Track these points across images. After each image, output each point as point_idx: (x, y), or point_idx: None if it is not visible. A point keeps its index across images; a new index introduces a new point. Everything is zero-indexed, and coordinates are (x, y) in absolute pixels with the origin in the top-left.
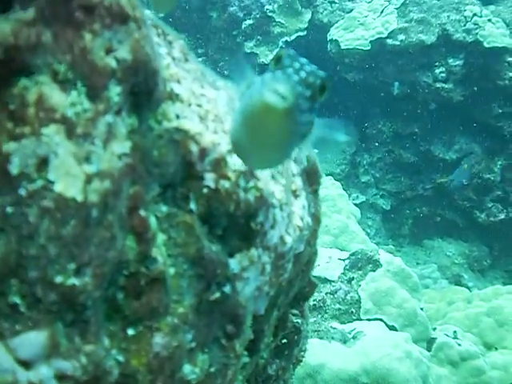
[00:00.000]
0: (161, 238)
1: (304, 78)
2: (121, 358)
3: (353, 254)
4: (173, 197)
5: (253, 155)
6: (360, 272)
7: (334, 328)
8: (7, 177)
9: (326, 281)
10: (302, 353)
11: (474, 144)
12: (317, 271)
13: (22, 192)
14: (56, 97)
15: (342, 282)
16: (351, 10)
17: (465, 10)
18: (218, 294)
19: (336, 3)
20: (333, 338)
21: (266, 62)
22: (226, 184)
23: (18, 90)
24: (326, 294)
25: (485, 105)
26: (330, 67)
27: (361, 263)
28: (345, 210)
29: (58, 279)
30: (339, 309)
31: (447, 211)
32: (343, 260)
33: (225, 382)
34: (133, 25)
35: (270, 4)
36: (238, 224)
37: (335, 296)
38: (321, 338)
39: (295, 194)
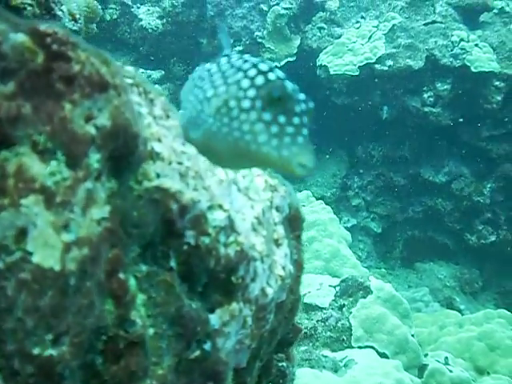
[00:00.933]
0: (140, 298)
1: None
2: None
3: (343, 281)
4: (153, 255)
5: None
6: (351, 299)
7: (326, 356)
8: None
9: (316, 308)
10: None
11: (463, 167)
12: (308, 298)
13: (0, 265)
14: (35, 167)
15: (332, 309)
16: (340, 36)
17: (452, 35)
18: (198, 352)
19: (325, 29)
20: (324, 367)
21: None
22: (206, 240)
23: None
24: (317, 321)
25: (473, 128)
26: (320, 92)
27: (351, 290)
28: (336, 234)
29: (36, 351)
30: (330, 336)
31: (438, 234)
32: (334, 287)
33: None
34: (112, 92)
35: (260, 30)
36: (219, 279)
37: (326, 323)
38: (312, 367)
39: (277, 243)
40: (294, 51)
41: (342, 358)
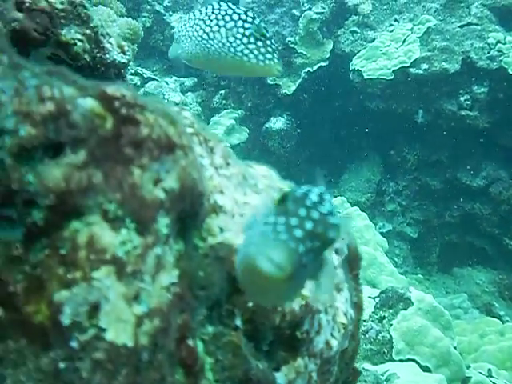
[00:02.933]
0: (208, 361)
1: (310, 229)
2: None
3: (383, 292)
4: (218, 315)
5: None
6: (391, 311)
7: (367, 370)
8: (59, 328)
9: None
10: None
11: (501, 170)
12: None
13: (74, 344)
14: (106, 237)
15: (373, 321)
16: (373, 40)
17: (488, 38)
18: None
19: (358, 33)
20: (366, 382)
21: (289, 93)
22: None
23: (68, 232)
24: None
25: (510, 131)
26: (353, 96)
27: (391, 301)
28: (372, 241)
29: None
30: (371, 349)
31: (476, 238)
32: (373, 298)
33: None
34: (179, 152)
35: (292, 36)
36: (284, 335)
37: (366, 336)
38: None
39: (338, 288)
40: (327, 56)
41: (383, 372)
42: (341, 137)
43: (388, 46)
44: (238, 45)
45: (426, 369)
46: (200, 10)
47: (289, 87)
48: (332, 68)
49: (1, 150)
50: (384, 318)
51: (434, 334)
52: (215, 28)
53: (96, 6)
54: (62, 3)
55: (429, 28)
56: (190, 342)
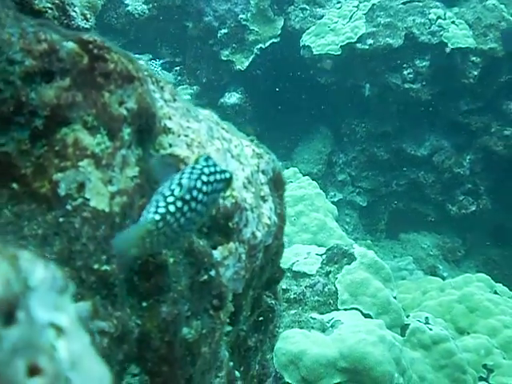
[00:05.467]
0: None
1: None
2: (139, 322)
3: (329, 249)
4: None
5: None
6: (336, 266)
7: (314, 318)
8: (57, 197)
9: (305, 275)
10: (277, 329)
11: (443, 140)
12: (296, 266)
13: (69, 207)
14: (86, 139)
15: (320, 275)
16: (322, 17)
17: (429, 13)
18: (205, 277)
19: (307, 10)
20: (312, 328)
21: (242, 69)
22: None
23: (60, 135)
24: (306, 287)
25: (452, 103)
26: (304, 72)
27: (337, 257)
28: (322, 208)
29: (96, 266)
30: (318, 300)
31: (421, 205)
32: (320, 255)
33: (213, 341)
34: (137, 83)
35: (244, 13)
36: (219, 224)
37: (314, 289)
38: (301, 328)
39: (264, 199)
40: (278, 32)
41: (329, 320)
42: (293, 111)
43: (335, 22)
44: None
45: (367, 316)
46: None
47: (242, 63)
48: (283, 44)
49: (13, 75)
50: (330, 272)
51: (375, 285)
52: None
53: None
54: None
55: (373, 5)
56: None
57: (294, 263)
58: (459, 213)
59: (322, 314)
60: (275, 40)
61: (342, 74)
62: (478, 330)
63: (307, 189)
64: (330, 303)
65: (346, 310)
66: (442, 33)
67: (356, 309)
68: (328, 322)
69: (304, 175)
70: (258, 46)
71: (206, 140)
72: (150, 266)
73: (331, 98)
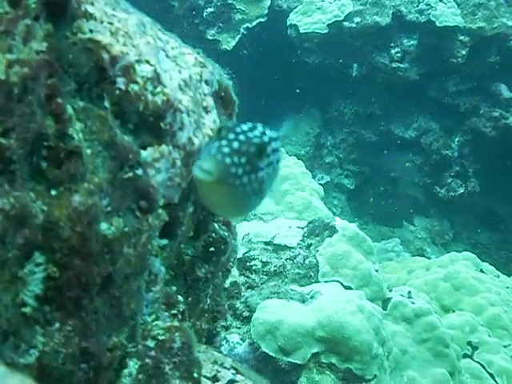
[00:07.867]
0: (78, 125)
1: (237, 148)
2: (45, 208)
3: (311, 222)
4: (89, 95)
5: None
6: (317, 238)
7: (294, 290)
8: None
9: (285, 248)
10: (230, 263)
11: (431, 122)
12: (277, 239)
13: None
14: None
15: (300, 248)
16: None
17: None
18: (130, 174)
19: None
20: (292, 299)
21: (229, 49)
22: (135, 87)
23: None
24: (286, 259)
25: (440, 83)
26: (291, 52)
27: (318, 230)
28: (308, 187)
29: None
30: (298, 273)
31: (409, 188)
32: (302, 228)
33: (138, 244)
34: None
35: None
36: (148, 122)
37: (294, 261)
38: (280, 299)
39: (206, 110)
40: (265, 12)
41: (309, 292)
42: (281, 92)
43: (323, 1)
44: None
45: (348, 288)
46: None
47: (228, 43)
48: (270, 24)
49: None
50: (311, 245)
51: (356, 257)
52: None
53: None
54: None
55: None
56: (59, 100)
57: (274, 236)
58: (447, 195)
59: (302, 286)
60: (262, 19)
61: (329, 54)
62: (463, 308)
63: (292, 168)
64: (310, 276)
65: (326, 282)
66: (429, 11)
67: (337, 281)
68: (308, 294)
69: (290, 156)
70: (245, 26)
71: (135, 32)
72: (61, 152)
73: (319, 79)
